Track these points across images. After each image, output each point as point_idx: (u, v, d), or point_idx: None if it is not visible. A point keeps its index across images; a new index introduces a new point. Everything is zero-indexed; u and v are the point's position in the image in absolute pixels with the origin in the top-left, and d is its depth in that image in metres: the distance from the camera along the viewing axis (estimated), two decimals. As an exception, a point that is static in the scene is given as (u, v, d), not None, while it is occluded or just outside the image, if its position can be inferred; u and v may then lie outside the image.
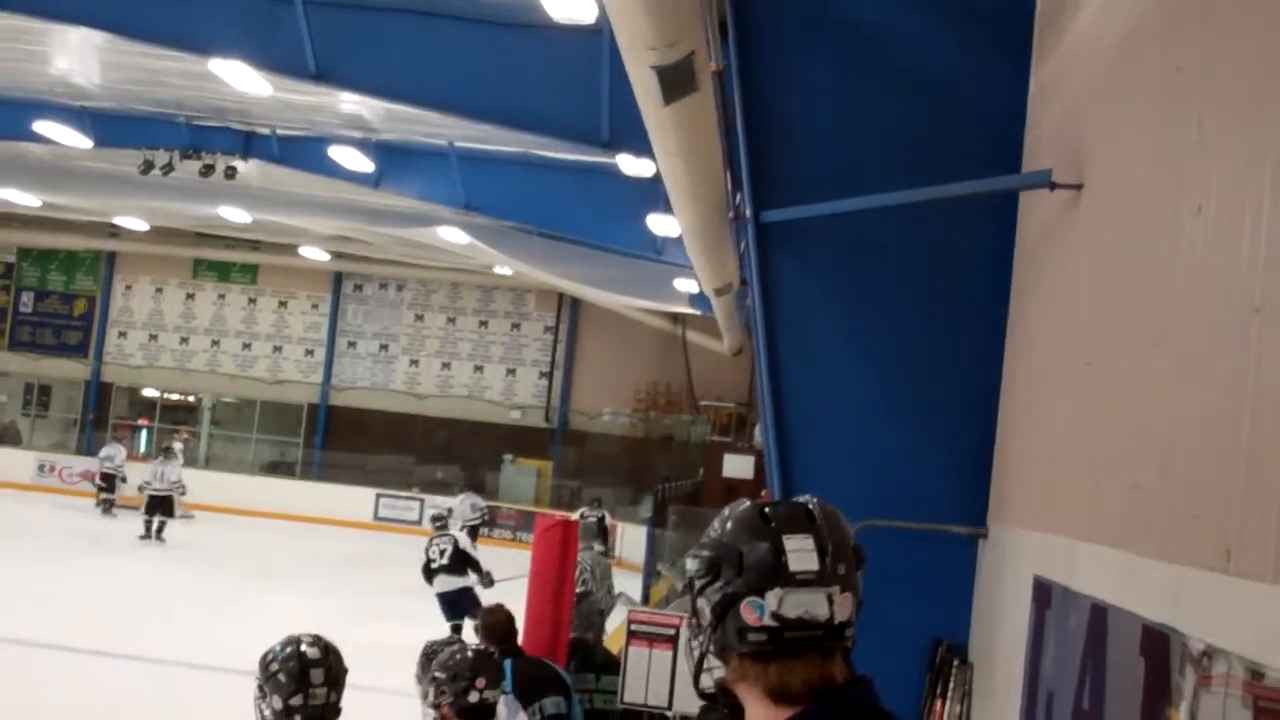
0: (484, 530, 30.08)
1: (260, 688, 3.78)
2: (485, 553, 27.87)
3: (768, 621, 1.97)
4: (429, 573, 15.15)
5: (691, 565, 2.10)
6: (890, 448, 5.87)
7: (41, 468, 31.45)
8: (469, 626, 11.30)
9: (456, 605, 14.85)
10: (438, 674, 4.80)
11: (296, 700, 3.70)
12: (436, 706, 4.79)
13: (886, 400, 5.93)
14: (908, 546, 5.45)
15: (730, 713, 4.05)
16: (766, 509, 2.06)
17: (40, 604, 15.62)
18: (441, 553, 15.13)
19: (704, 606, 2.05)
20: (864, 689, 2.04)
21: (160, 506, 23.57)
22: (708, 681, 2.15)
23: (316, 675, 3.74)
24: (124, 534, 24.11)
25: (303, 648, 3.79)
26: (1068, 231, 4.32)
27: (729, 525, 2.07)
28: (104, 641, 13.69)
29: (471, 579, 15.04)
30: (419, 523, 30.66)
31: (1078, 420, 3.88)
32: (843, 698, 2.01)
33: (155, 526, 23.49)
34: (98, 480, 27.53)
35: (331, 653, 3.85)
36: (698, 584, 2.07)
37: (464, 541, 15.41)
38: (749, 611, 1.98)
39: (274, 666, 3.76)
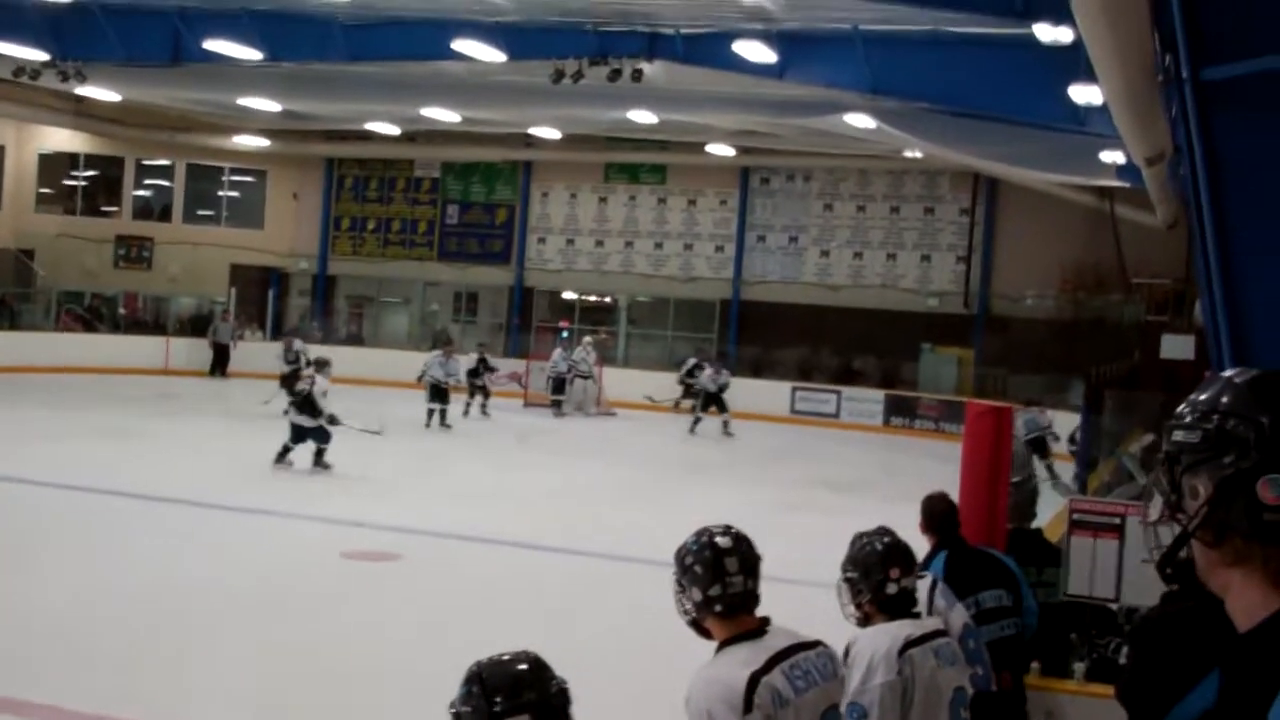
0: (905, 421, 29.86)
1: (679, 582, 3.82)
2: (928, 446, 27.68)
3: None
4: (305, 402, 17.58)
5: (1184, 437, 1.93)
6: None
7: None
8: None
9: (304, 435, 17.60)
10: (850, 574, 4.72)
11: (715, 590, 3.72)
12: (859, 606, 4.71)
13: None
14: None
15: (1194, 599, 3.70)
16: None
17: (485, 498, 16.52)
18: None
19: (1195, 483, 1.89)
20: None
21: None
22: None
23: (731, 564, 3.74)
24: (562, 432, 25.20)
25: (715, 538, 3.80)
26: None
27: (1232, 394, 1.90)
28: (542, 535, 14.20)
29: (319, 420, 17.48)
30: (836, 415, 30.73)
31: None
32: None
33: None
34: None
35: (743, 540, 3.83)
36: (1188, 459, 1.91)
37: (319, 387, 17.46)
38: (1268, 489, 1.81)
39: (689, 560, 3.79)
